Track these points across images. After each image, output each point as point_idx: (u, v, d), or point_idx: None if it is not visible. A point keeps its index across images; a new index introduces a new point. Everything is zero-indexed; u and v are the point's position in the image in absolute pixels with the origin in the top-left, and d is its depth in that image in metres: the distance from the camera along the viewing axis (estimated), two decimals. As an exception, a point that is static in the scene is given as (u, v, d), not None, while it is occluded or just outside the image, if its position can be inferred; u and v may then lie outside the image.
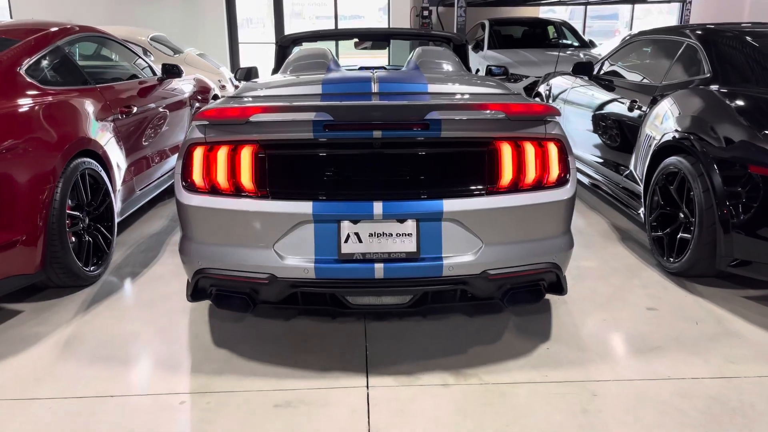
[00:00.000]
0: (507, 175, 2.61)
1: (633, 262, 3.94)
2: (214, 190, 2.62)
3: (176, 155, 5.15)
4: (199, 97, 5.94)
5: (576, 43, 10.54)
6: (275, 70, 4.88)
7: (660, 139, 3.84)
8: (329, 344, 2.94)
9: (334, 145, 2.58)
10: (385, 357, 2.82)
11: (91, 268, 3.60)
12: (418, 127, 2.54)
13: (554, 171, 2.66)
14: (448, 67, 3.73)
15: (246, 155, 2.59)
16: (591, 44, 10.49)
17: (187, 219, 2.66)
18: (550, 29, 11.07)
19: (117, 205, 4.00)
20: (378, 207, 2.50)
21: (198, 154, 2.64)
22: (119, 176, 4.10)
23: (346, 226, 2.53)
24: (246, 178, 2.59)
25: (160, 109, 4.95)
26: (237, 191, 2.60)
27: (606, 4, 16.16)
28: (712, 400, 2.49)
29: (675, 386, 2.59)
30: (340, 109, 2.52)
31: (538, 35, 10.75)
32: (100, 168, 3.75)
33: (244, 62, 13.58)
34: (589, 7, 16.00)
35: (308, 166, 2.59)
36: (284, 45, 4.74)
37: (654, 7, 18.38)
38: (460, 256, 2.57)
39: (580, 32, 11.17)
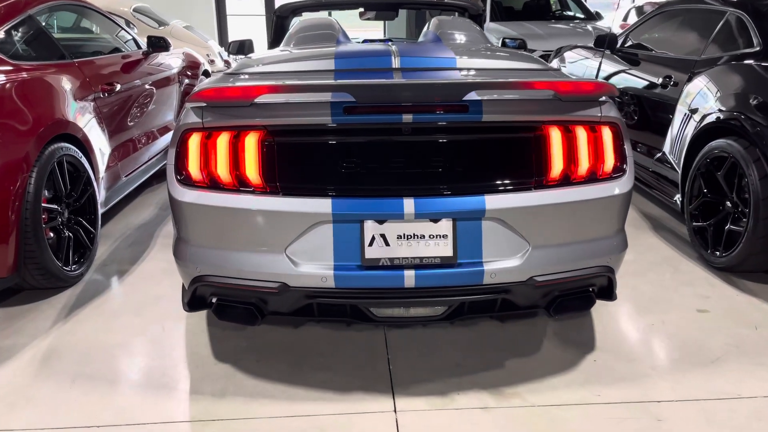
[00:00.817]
0: (557, 166, 2.23)
1: (670, 254, 3.60)
2: (214, 184, 2.23)
3: (165, 137, 4.73)
4: (189, 73, 5.48)
5: (581, 15, 10.08)
6: (273, 44, 4.45)
7: (702, 120, 3.47)
8: (346, 357, 2.58)
9: (355, 131, 2.19)
10: (411, 373, 2.46)
11: (72, 267, 3.20)
12: (455, 110, 2.16)
13: (609, 160, 2.29)
14: (470, 38, 3.32)
15: (251, 143, 2.19)
16: (597, 16, 10.03)
17: (183, 218, 2.27)
18: (553, 0, 10.60)
19: (100, 195, 3.59)
20: (409, 204, 2.12)
21: (194, 141, 2.24)
22: (102, 162, 3.68)
23: (371, 227, 2.16)
24: (252, 171, 2.20)
25: (146, 87, 4.51)
26: (241, 186, 2.20)
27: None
28: (793, 424, 2.17)
29: (748, 407, 2.26)
30: (363, 89, 2.13)
31: (542, 7, 10.27)
32: (80, 154, 3.33)
33: (233, 35, 13.00)
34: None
35: (326, 157, 2.20)
36: (283, 15, 4.30)
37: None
38: (503, 261, 2.20)
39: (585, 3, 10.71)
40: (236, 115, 2.20)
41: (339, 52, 2.77)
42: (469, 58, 2.76)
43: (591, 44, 5.29)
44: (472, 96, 2.15)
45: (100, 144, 3.67)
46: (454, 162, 2.19)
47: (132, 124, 4.24)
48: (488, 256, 2.20)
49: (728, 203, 3.28)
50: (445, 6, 4.42)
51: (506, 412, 2.25)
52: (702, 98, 3.56)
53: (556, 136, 2.23)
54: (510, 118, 2.20)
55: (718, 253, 3.31)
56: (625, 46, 4.90)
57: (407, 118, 2.14)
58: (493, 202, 2.14)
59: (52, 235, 3.09)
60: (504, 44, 4.50)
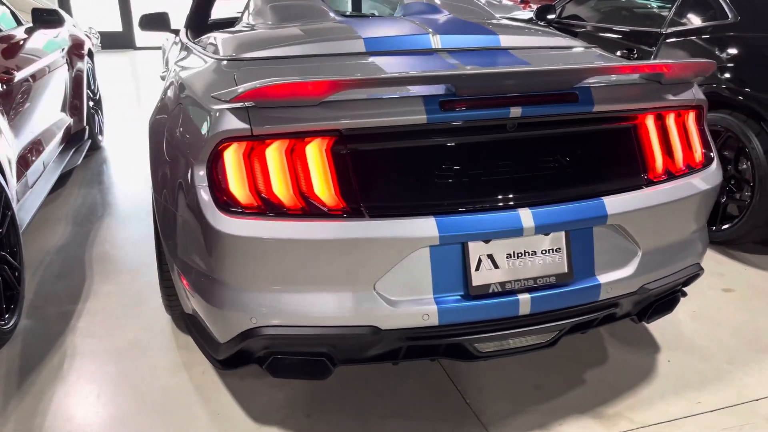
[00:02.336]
0: (663, 159, 1.98)
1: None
2: (271, 208, 1.69)
3: (59, 135, 3.85)
4: (75, 53, 4.53)
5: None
6: (197, 15, 3.76)
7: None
8: (410, 396, 2.18)
9: (455, 130, 1.76)
10: (493, 405, 2.13)
11: (4, 319, 2.43)
12: (566, 100, 1.81)
13: (698, 148, 2.08)
14: (478, 10, 2.95)
15: (320, 153, 1.69)
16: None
17: (228, 255, 1.71)
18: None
19: (19, 216, 2.78)
20: (527, 217, 1.74)
21: (237, 153, 1.69)
22: (12, 174, 2.85)
23: (476, 248, 1.75)
24: (324, 188, 1.69)
25: (39, 74, 3.60)
26: (311, 209, 1.69)
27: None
28: None
29: (841, 394, 2.21)
30: (464, 79, 1.70)
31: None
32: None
33: (78, 8, 11.34)
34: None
35: (421, 165, 1.75)
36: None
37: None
38: (616, 272, 1.91)
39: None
40: (298, 118, 1.67)
41: (364, 31, 2.28)
42: (511, 35, 2.40)
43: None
44: (581, 83, 1.81)
45: (7, 149, 2.84)
46: (567, 162, 1.84)
47: (31, 121, 3.36)
48: (601, 269, 1.90)
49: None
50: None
51: (623, 439, 2.00)
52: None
53: (658, 124, 1.97)
54: (621, 107, 1.89)
55: (714, 228, 3.30)
56: (562, 17, 4.80)
57: (515, 111, 1.75)
58: (613, 206, 1.83)
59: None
60: None
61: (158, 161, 2.15)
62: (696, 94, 2.04)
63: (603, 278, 1.89)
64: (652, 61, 1.91)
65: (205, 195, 1.71)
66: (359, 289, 1.72)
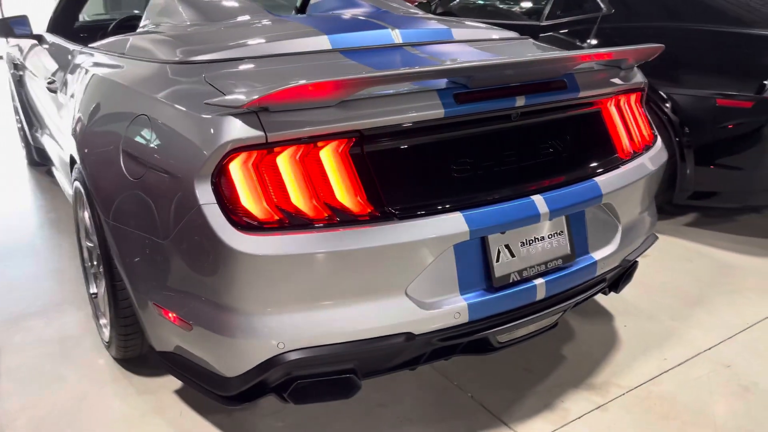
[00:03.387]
0: (631, 136, 2.13)
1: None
2: (293, 220, 1.55)
3: None
4: None
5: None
6: (65, 13, 3.37)
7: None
8: (414, 400, 2.12)
9: (469, 123, 1.74)
10: (496, 395, 2.14)
11: None
12: (558, 88, 1.87)
13: (646, 126, 2.27)
14: (396, 5, 2.93)
15: (337, 156, 1.58)
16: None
17: (248, 277, 1.53)
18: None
19: None
20: (541, 203, 1.77)
21: (249, 163, 1.53)
22: None
23: (494, 240, 1.76)
24: (347, 193, 1.59)
25: None
26: (338, 217, 1.58)
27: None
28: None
29: (768, 333, 2.54)
30: (476, 71, 1.68)
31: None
32: None
33: None
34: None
35: (442, 160, 1.70)
36: (93, -18, 3.22)
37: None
38: (605, 248, 2.02)
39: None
40: (316, 121, 1.54)
41: (323, 28, 2.16)
42: (458, 28, 2.42)
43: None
44: (566, 71, 1.89)
45: None
46: (561, 147, 1.91)
47: None
48: (594, 247, 2.00)
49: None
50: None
51: (619, 404, 2.11)
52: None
53: (626, 103, 2.12)
54: (598, 91, 1.99)
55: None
56: (437, 13, 4.96)
57: (520, 101, 1.77)
58: (604, 185, 1.93)
59: None
60: None
61: (113, 184, 1.87)
62: (641, 77, 2.22)
63: (597, 255, 1.99)
64: (616, 48, 2.03)
65: (214, 214, 1.53)
66: (391, 296, 1.64)
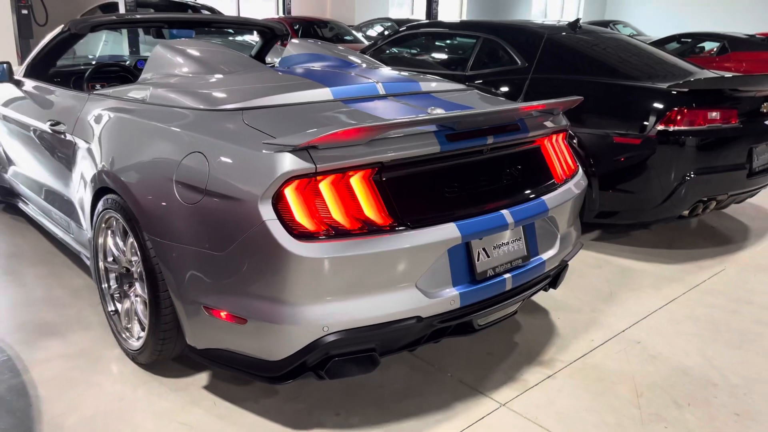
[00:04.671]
0: (562, 166, 2.77)
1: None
2: (335, 231, 2.03)
3: None
4: None
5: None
6: (46, 60, 3.67)
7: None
8: (408, 381, 2.61)
9: (457, 156, 2.30)
10: (471, 373, 2.68)
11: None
12: (514, 130, 2.48)
13: (570, 158, 2.93)
14: (356, 58, 3.47)
15: (364, 181, 2.09)
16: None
17: (303, 275, 1.99)
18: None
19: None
20: (508, 215, 2.36)
21: (299, 188, 2.00)
22: None
23: (476, 244, 2.31)
24: (373, 209, 2.09)
25: None
26: (368, 227, 2.07)
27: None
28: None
29: (669, 309, 3.25)
30: (462, 118, 2.25)
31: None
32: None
33: None
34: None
35: (439, 183, 2.25)
36: (80, 33, 3.52)
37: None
38: (549, 250, 2.63)
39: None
40: (350, 155, 2.05)
41: (323, 82, 2.66)
42: (422, 82, 2.98)
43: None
44: (520, 117, 2.51)
45: None
46: (518, 173, 2.51)
47: None
48: (542, 249, 2.60)
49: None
50: (253, 26, 4.29)
51: (564, 373, 2.71)
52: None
53: (556, 141, 2.77)
54: (540, 132, 2.62)
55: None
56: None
57: (491, 140, 2.36)
58: (549, 202, 2.55)
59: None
60: None
61: (165, 209, 2.26)
62: (566, 120, 2.89)
63: (544, 256, 2.59)
64: (551, 100, 2.67)
65: (276, 227, 1.98)
66: (406, 288, 2.15)
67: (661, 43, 10.33)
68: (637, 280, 3.70)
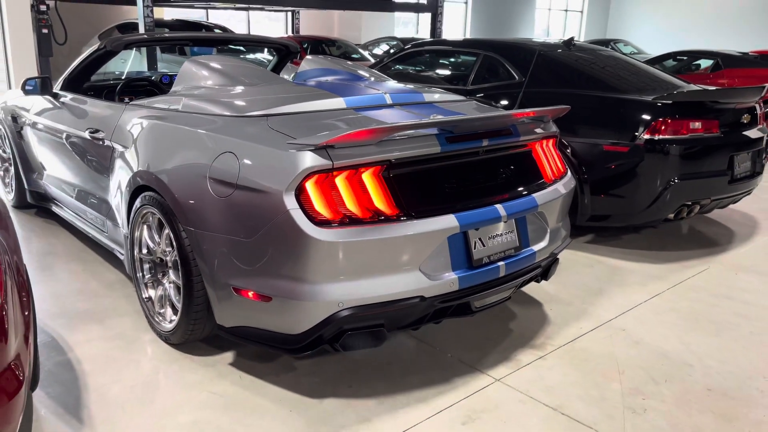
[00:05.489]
0: (552, 168, 3.08)
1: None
2: (350, 219, 2.34)
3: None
4: None
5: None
6: (81, 75, 4.01)
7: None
8: (414, 357, 2.90)
9: (456, 156, 2.61)
10: (470, 354, 2.96)
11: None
12: (506, 134, 2.79)
13: (559, 161, 3.24)
14: (365, 72, 3.80)
15: (375, 176, 2.40)
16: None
17: (323, 257, 2.30)
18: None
19: None
20: (501, 209, 2.66)
21: (317, 182, 2.32)
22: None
23: (472, 234, 2.62)
24: (382, 201, 2.40)
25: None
26: (378, 216, 2.38)
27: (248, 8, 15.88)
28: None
29: (651, 304, 3.53)
30: (460, 122, 2.58)
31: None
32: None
33: None
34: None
35: (440, 179, 2.56)
36: (115, 51, 3.87)
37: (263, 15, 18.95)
38: (540, 243, 2.93)
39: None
40: (362, 153, 2.36)
41: (339, 93, 2.99)
42: (425, 93, 3.31)
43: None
44: (512, 123, 2.82)
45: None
46: (510, 172, 2.82)
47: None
48: (533, 242, 2.90)
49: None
50: (269, 44, 4.64)
51: (554, 355, 2.99)
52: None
53: (546, 145, 3.08)
54: (530, 137, 2.94)
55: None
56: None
57: (485, 142, 2.68)
58: (539, 199, 2.86)
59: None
60: None
61: (200, 202, 2.57)
62: (555, 127, 3.20)
63: (535, 248, 2.89)
64: (541, 108, 2.99)
65: (299, 215, 2.29)
66: (410, 270, 2.45)
67: (658, 61, 10.70)
68: (626, 278, 3.99)
